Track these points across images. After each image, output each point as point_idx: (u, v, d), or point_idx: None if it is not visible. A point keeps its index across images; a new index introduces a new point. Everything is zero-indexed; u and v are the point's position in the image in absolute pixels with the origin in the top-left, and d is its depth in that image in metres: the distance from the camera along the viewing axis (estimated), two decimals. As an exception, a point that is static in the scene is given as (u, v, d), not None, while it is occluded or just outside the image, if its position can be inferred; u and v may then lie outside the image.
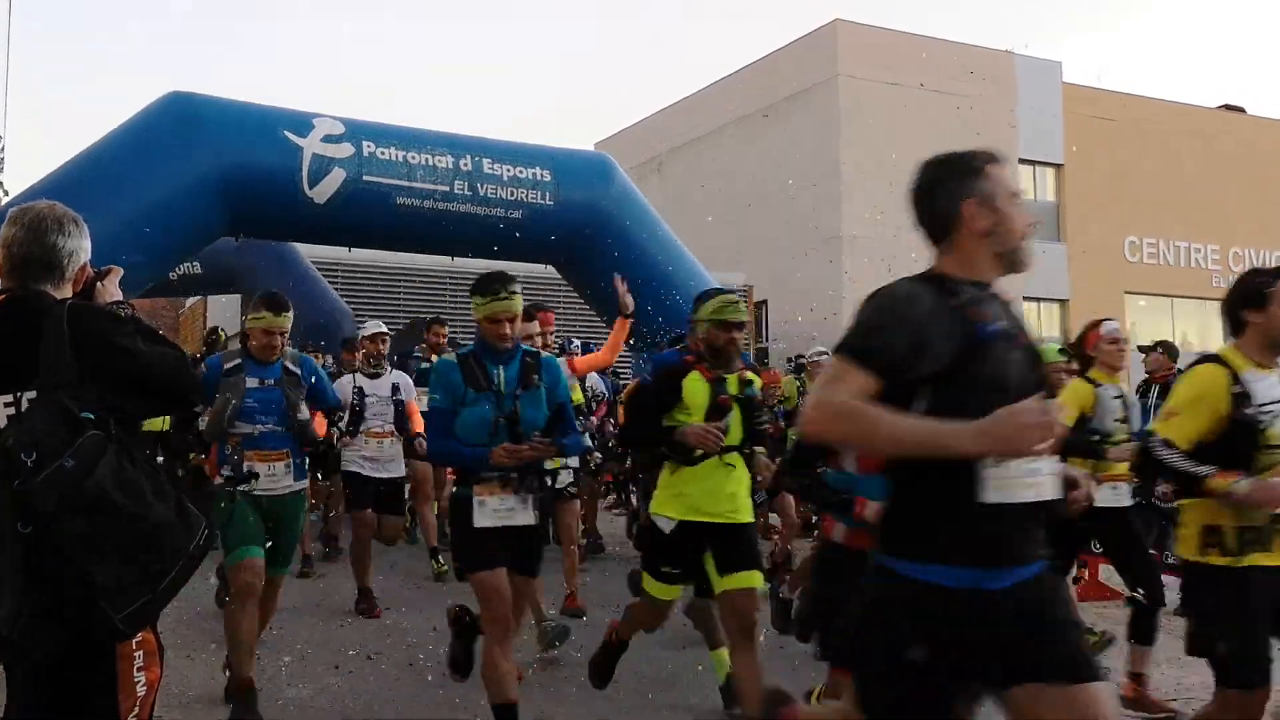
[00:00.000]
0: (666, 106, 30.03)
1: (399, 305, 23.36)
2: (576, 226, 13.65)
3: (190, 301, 28.39)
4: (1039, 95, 26.34)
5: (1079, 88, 27.42)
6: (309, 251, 18.76)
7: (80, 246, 2.68)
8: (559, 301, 25.14)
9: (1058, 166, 27.12)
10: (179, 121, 11.51)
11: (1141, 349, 10.26)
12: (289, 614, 6.90)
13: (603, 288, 14.50)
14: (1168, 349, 9.95)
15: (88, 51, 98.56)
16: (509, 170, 13.22)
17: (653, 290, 13.85)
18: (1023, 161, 26.18)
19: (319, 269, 20.09)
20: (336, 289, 20.68)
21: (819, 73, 24.66)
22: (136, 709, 2.50)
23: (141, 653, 2.51)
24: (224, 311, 25.96)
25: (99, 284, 2.73)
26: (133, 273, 11.81)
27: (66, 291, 2.62)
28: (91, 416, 2.34)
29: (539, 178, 13.40)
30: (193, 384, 2.65)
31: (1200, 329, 26.97)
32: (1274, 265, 4.58)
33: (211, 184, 11.43)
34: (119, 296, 2.73)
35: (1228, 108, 30.54)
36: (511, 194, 13.22)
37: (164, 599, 2.44)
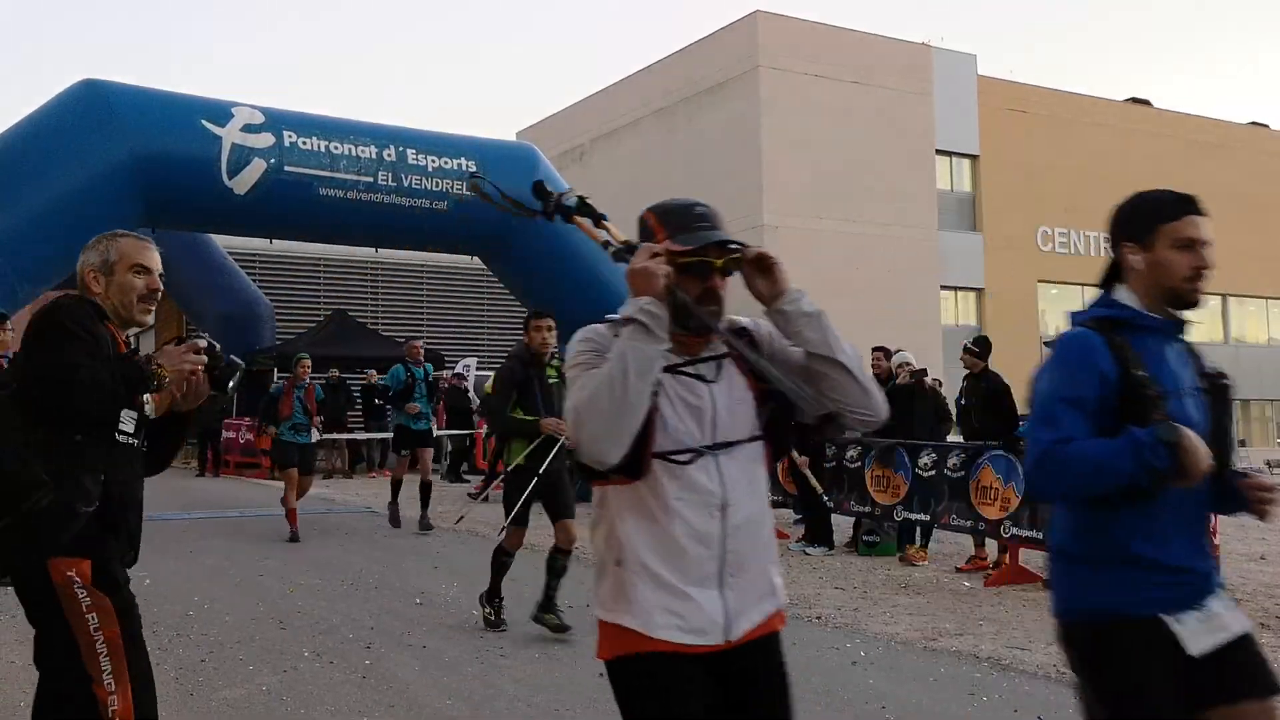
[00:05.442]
0: (588, 96, 30.03)
1: (320, 296, 23.05)
2: (502, 217, 13.59)
3: (102, 293, 27.61)
4: (955, 87, 26.90)
5: (994, 80, 28.05)
6: (226, 241, 18.42)
7: None
8: (482, 292, 24.98)
9: (973, 158, 27.73)
10: (92, 110, 11.21)
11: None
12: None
13: (528, 279, 14.52)
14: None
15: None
16: (433, 161, 13.15)
17: (579, 282, 13.90)
18: (939, 153, 26.75)
19: (236, 259, 19.70)
20: (255, 280, 20.31)
21: (740, 63, 24.86)
22: (111, 670, 2.58)
23: (95, 614, 2.59)
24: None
25: None
26: (43, 266, 11.54)
27: None
28: None
29: (464, 168, 13.34)
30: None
31: (1109, 316, 27.83)
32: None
33: (126, 174, 11.18)
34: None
35: (1135, 101, 31.50)
36: (436, 184, 13.16)
37: (43, 547, 2.58)
